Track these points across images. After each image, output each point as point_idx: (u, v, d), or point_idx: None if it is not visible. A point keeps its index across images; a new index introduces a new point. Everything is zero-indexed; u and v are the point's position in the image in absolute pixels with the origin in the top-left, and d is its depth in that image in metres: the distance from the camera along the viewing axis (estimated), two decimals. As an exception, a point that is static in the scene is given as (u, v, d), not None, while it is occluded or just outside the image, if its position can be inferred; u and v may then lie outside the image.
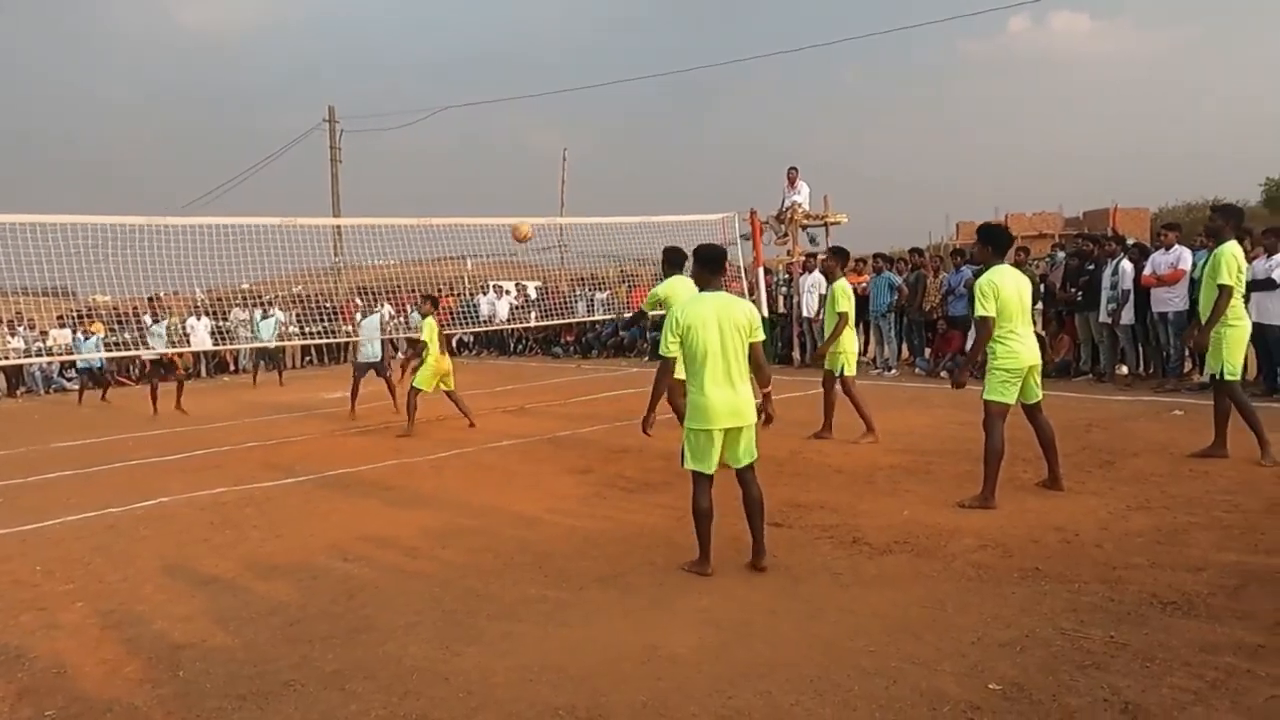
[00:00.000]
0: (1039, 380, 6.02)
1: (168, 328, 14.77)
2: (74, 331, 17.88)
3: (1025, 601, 4.18)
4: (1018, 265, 6.25)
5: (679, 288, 7.28)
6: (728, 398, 4.59)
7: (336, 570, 5.21)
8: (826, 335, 8.52)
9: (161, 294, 15.13)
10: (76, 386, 17.56)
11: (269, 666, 3.89)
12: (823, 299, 14.73)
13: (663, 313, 6.74)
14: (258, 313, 18.04)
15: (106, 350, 16.48)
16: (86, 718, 3.51)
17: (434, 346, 10.16)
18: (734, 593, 4.53)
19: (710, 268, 4.84)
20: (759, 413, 4.79)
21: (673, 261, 7.66)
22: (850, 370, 8.35)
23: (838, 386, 8.41)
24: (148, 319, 15.02)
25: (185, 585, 5.08)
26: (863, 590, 4.47)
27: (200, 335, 17.10)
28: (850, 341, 8.47)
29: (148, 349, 14.33)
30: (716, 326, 4.60)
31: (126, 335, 16.08)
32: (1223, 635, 3.69)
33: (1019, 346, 5.81)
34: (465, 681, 3.64)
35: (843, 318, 8.29)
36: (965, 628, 3.90)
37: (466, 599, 4.62)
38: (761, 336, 4.78)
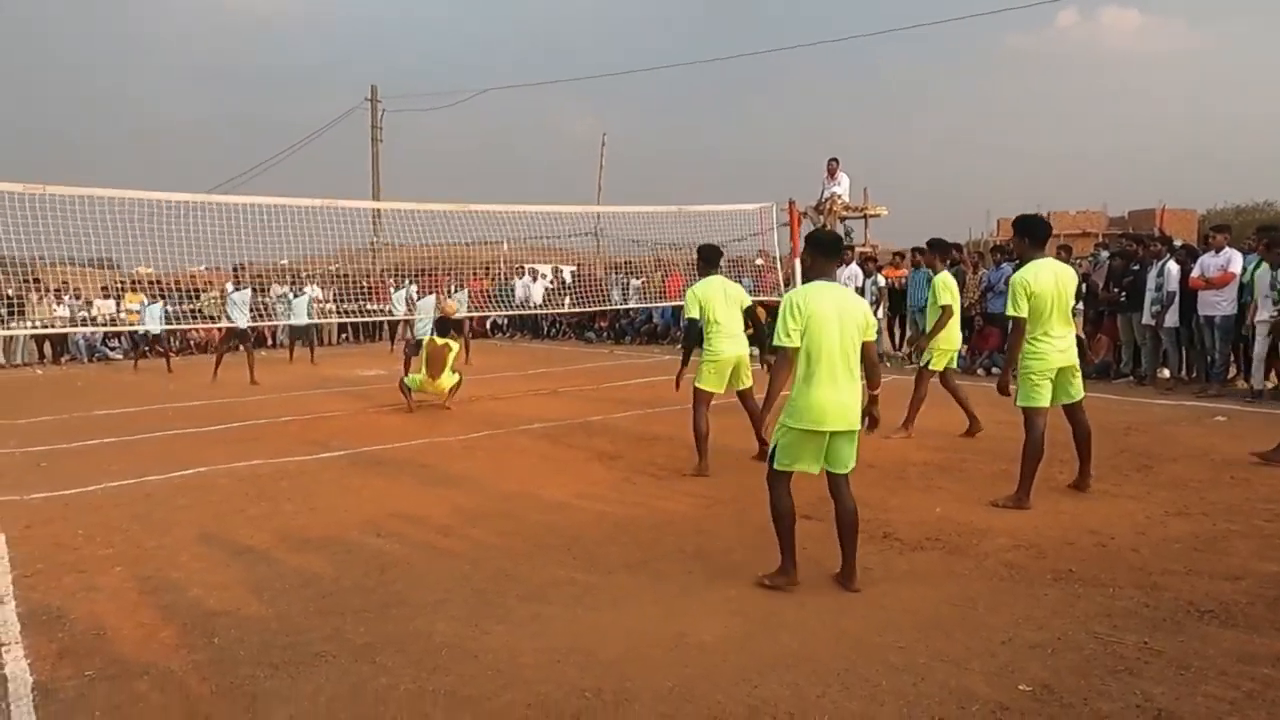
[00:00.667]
0: (1078, 381, 5.90)
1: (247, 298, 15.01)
2: (117, 301, 18.18)
3: (1058, 604, 4.13)
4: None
5: (713, 289, 6.97)
6: (840, 398, 4.21)
7: (369, 545, 5.28)
8: (928, 329, 8.45)
9: (246, 262, 15.28)
10: (119, 356, 17.89)
11: (301, 637, 3.95)
12: (858, 291, 14.69)
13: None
14: (290, 291, 18.24)
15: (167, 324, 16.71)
16: (123, 680, 3.59)
17: (432, 369, 10.38)
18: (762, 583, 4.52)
19: (828, 254, 4.50)
20: (863, 416, 4.48)
21: (709, 259, 7.25)
22: (937, 365, 8.34)
23: (946, 377, 8.48)
24: (230, 286, 15.24)
25: (221, 554, 5.17)
26: (893, 586, 4.44)
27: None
28: (948, 337, 8.33)
29: (226, 318, 14.68)
30: (836, 320, 4.23)
31: (169, 307, 16.35)
32: (1261, 646, 3.63)
33: (1048, 348, 5.67)
34: (493, 660, 3.68)
35: (946, 310, 8.17)
36: (996, 627, 3.87)
37: (496, 579, 4.65)
38: (874, 336, 4.48)
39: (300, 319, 17.47)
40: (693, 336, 7.00)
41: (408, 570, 4.84)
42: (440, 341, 10.47)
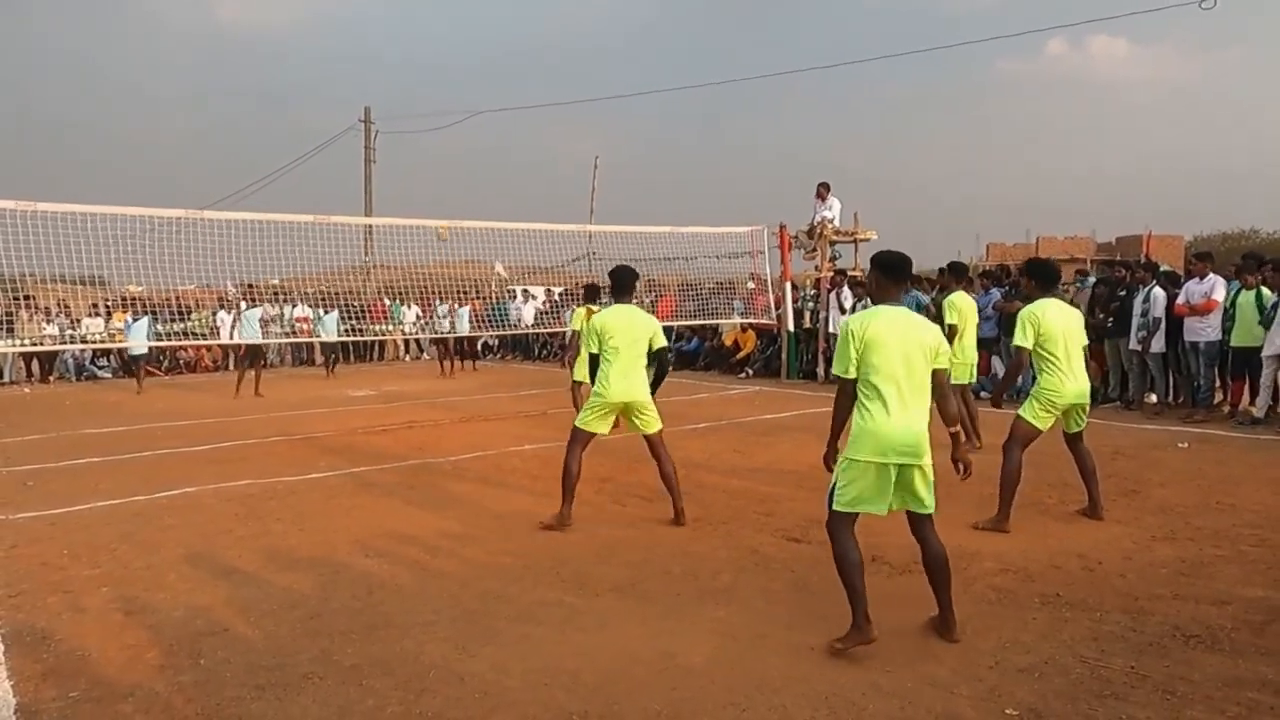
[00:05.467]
0: (1085, 415, 5.96)
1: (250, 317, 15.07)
2: (105, 319, 18.12)
3: (1045, 628, 4.14)
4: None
5: (617, 320, 6.04)
6: (905, 427, 3.90)
7: (357, 566, 5.26)
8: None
9: (254, 282, 15.34)
10: (109, 374, 17.81)
11: (288, 658, 3.93)
12: (843, 311, 14.76)
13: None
14: (320, 310, 18.36)
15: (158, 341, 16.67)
16: (108, 701, 3.56)
17: None
18: (750, 605, 4.52)
19: (894, 276, 4.14)
20: (955, 463, 4.30)
21: (620, 285, 6.29)
22: (960, 378, 8.43)
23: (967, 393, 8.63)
24: (244, 305, 15.28)
25: (208, 575, 5.14)
26: (881, 609, 4.42)
27: (229, 328, 17.32)
28: (962, 351, 8.54)
29: (237, 336, 14.82)
30: (900, 346, 3.92)
31: (159, 327, 16.30)
32: (1246, 670, 3.65)
33: (1066, 382, 5.74)
34: (481, 682, 3.67)
35: (951, 329, 8.42)
36: (984, 651, 3.88)
37: (484, 600, 4.64)
38: (947, 364, 4.12)
39: (331, 336, 17.59)
40: (595, 371, 6.13)
41: (396, 591, 4.82)
42: (598, 308, 9.92)
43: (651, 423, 6.18)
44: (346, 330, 17.82)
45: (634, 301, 6.32)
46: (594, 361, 6.08)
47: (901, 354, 3.91)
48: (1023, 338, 5.76)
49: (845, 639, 3.89)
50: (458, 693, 3.58)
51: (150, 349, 16.78)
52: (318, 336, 18.27)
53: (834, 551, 3.99)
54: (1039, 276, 6.06)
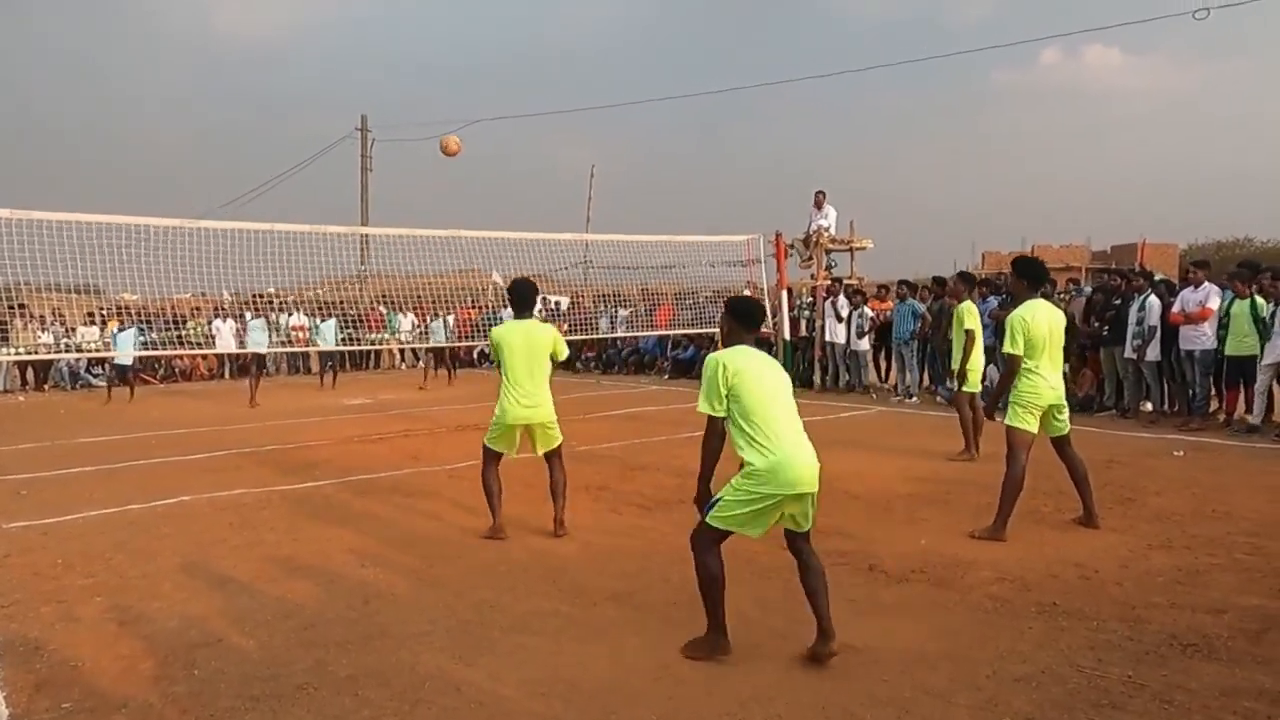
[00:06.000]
0: (1065, 415, 5.97)
1: (261, 325, 15.11)
2: (101, 327, 18.09)
3: (1042, 637, 4.14)
4: (1045, 297, 6.25)
5: (512, 336, 5.95)
6: (807, 460, 3.88)
7: (352, 576, 5.24)
8: (955, 356, 8.91)
9: (270, 290, 15.41)
10: (103, 383, 17.75)
11: (283, 669, 3.91)
12: (840, 320, 14.78)
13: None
14: (316, 318, 18.31)
15: (141, 351, 16.65)
16: (101, 713, 3.54)
17: None
18: (747, 615, 4.50)
19: (747, 323, 4.15)
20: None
21: (519, 299, 6.12)
22: (972, 388, 8.63)
23: (959, 398, 8.75)
24: (248, 315, 15.28)
25: (203, 584, 5.12)
26: (878, 618, 4.44)
27: (225, 338, 17.30)
28: (979, 361, 8.74)
29: (241, 345, 14.80)
30: (772, 380, 3.94)
31: (154, 335, 16.27)
32: (1243, 679, 3.64)
33: (1042, 383, 5.79)
34: (476, 692, 3.65)
35: (969, 335, 8.54)
36: (981, 660, 3.87)
37: (480, 609, 4.63)
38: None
39: (329, 345, 17.52)
40: None
41: (391, 601, 4.80)
42: None
43: (553, 439, 6.15)
44: (343, 339, 17.77)
45: (536, 316, 6.26)
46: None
47: (774, 388, 3.92)
48: (1014, 344, 5.77)
49: (697, 646, 3.94)
50: (454, 703, 3.56)
51: (137, 359, 16.74)
52: (315, 345, 18.23)
53: (705, 571, 3.87)
54: (1029, 276, 6.06)
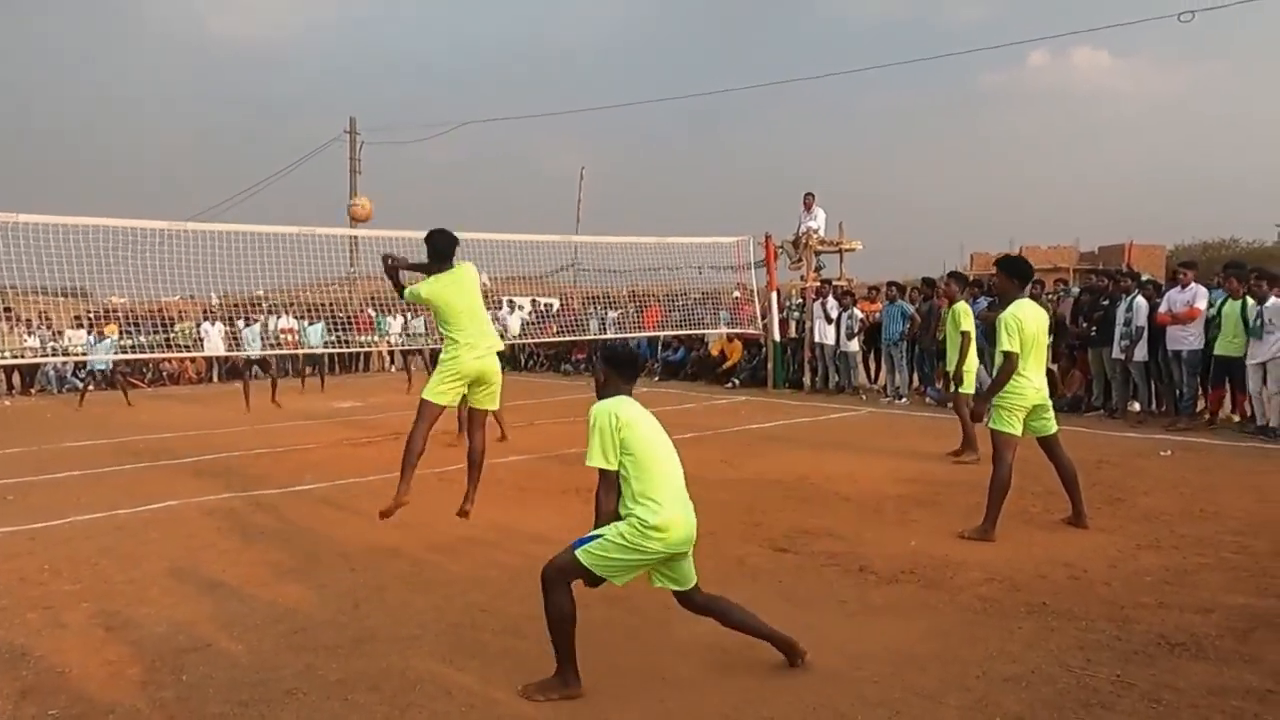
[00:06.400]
0: (1051, 415, 6.00)
1: (260, 329, 15.07)
2: (89, 332, 17.99)
3: (1032, 637, 4.15)
4: (1033, 298, 6.30)
5: (449, 286, 5.67)
6: (686, 518, 3.65)
7: (342, 580, 5.22)
8: (949, 357, 9.01)
9: (259, 292, 15.38)
10: (91, 387, 17.63)
11: (272, 674, 3.89)
12: (829, 321, 14.82)
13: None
14: (304, 321, 18.26)
15: (121, 352, 16.58)
16: (89, 718, 3.52)
17: None
18: (738, 617, 4.51)
19: (625, 373, 3.86)
20: None
21: (439, 250, 5.80)
22: (968, 388, 8.63)
23: (957, 399, 8.78)
24: (240, 324, 15.24)
25: (191, 589, 5.09)
26: (868, 619, 4.45)
27: (214, 341, 17.21)
28: (974, 362, 8.81)
29: (237, 350, 14.90)
30: (659, 433, 3.73)
31: (142, 338, 16.18)
32: (1231, 678, 3.66)
33: (1026, 385, 5.82)
34: (468, 696, 3.64)
35: (965, 336, 8.61)
36: (971, 661, 3.88)
37: (470, 613, 4.62)
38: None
39: (315, 347, 17.49)
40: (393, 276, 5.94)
41: (381, 605, 4.79)
42: None
43: (494, 397, 5.95)
44: (331, 342, 17.71)
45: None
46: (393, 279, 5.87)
47: (662, 441, 3.70)
48: (1009, 342, 5.76)
49: (547, 688, 3.62)
50: (445, 707, 3.55)
51: (122, 363, 16.71)
52: (302, 348, 18.15)
53: (557, 610, 3.57)
54: (1017, 274, 6.10)
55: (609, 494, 3.62)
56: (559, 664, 3.63)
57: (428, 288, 5.72)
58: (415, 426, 5.75)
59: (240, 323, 15.31)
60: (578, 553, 3.59)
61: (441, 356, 5.74)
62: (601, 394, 3.82)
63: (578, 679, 3.62)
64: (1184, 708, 3.41)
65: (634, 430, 3.60)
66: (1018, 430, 5.87)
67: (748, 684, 3.71)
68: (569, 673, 3.63)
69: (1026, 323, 5.78)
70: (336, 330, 17.53)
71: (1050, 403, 6.04)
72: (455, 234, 5.94)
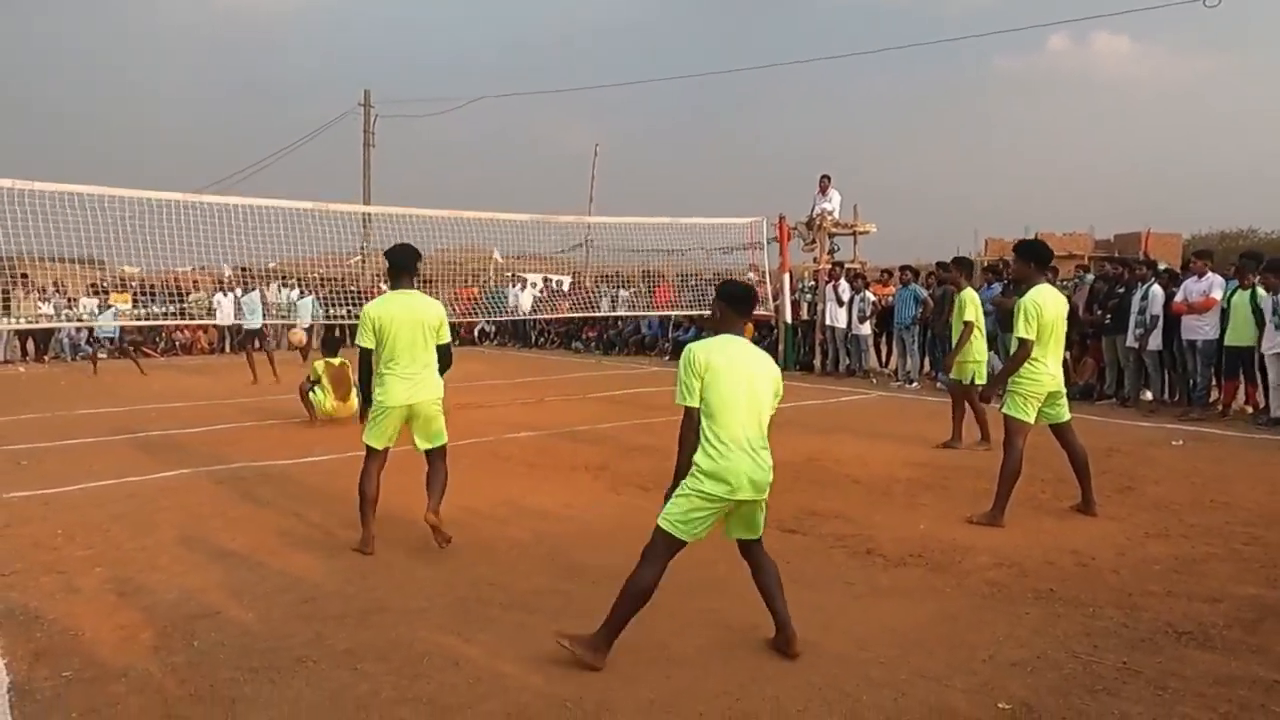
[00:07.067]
0: (1064, 402, 5.96)
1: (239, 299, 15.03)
2: (103, 298, 18.07)
3: (1039, 622, 4.15)
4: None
5: (393, 308, 5.15)
6: (755, 463, 3.68)
7: (351, 551, 5.25)
8: (953, 345, 8.84)
9: (245, 266, 15.27)
10: (104, 355, 17.75)
11: (282, 642, 3.93)
12: (841, 304, 14.76)
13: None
14: (294, 293, 18.18)
15: (134, 320, 16.66)
16: (101, 682, 3.56)
17: (339, 391, 9.80)
18: (744, 596, 4.50)
19: (739, 308, 3.95)
20: None
21: (399, 264, 5.34)
22: (980, 379, 8.48)
23: (968, 389, 8.62)
24: (239, 291, 15.21)
25: (202, 557, 5.14)
26: (875, 601, 4.46)
27: (226, 311, 17.27)
28: (980, 350, 8.64)
29: (242, 319, 14.70)
30: (745, 378, 3.73)
31: (156, 308, 16.26)
32: (1237, 668, 3.66)
33: (1043, 372, 5.76)
34: (474, 668, 3.67)
35: (968, 326, 8.45)
36: (977, 645, 3.88)
37: (478, 587, 4.64)
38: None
39: (305, 321, 17.41)
40: (366, 371, 5.23)
41: (390, 576, 4.82)
42: (337, 362, 9.85)
43: (437, 431, 5.37)
44: (342, 315, 17.70)
45: (417, 286, 5.54)
46: (366, 359, 5.18)
47: (747, 386, 3.72)
48: (1027, 329, 5.67)
49: (580, 643, 3.67)
50: (452, 679, 3.58)
51: (133, 330, 16.73)
52: (295, 321, 17.97)
53: (633, 583, 3.68)
54: (1036, 258, 5.98)
55: (689, 431, 3.73)
56: (603, 628, 3.69)
57: (372, 306, 5.24)
58: (363, 470, 5.33)
59: (238, 290, 15.26)
60: (658, 521, 3.72)
61: (375, 393, 5.23)
62: (714, 329, 3.93)
63: (605, 653, 3.67)
64: (1190, 696, 3.41)
65: (715, 374, 3.68)
66: (1031, 417, 5.82)
67: (753, 663, 3.72)
68: (603, 643, 3.68)
69: (1046, 309, 5.71)
70: (347, 304, 17.53)
71: (1065, 390, 5.99)
72: (414, 249, 5.50)
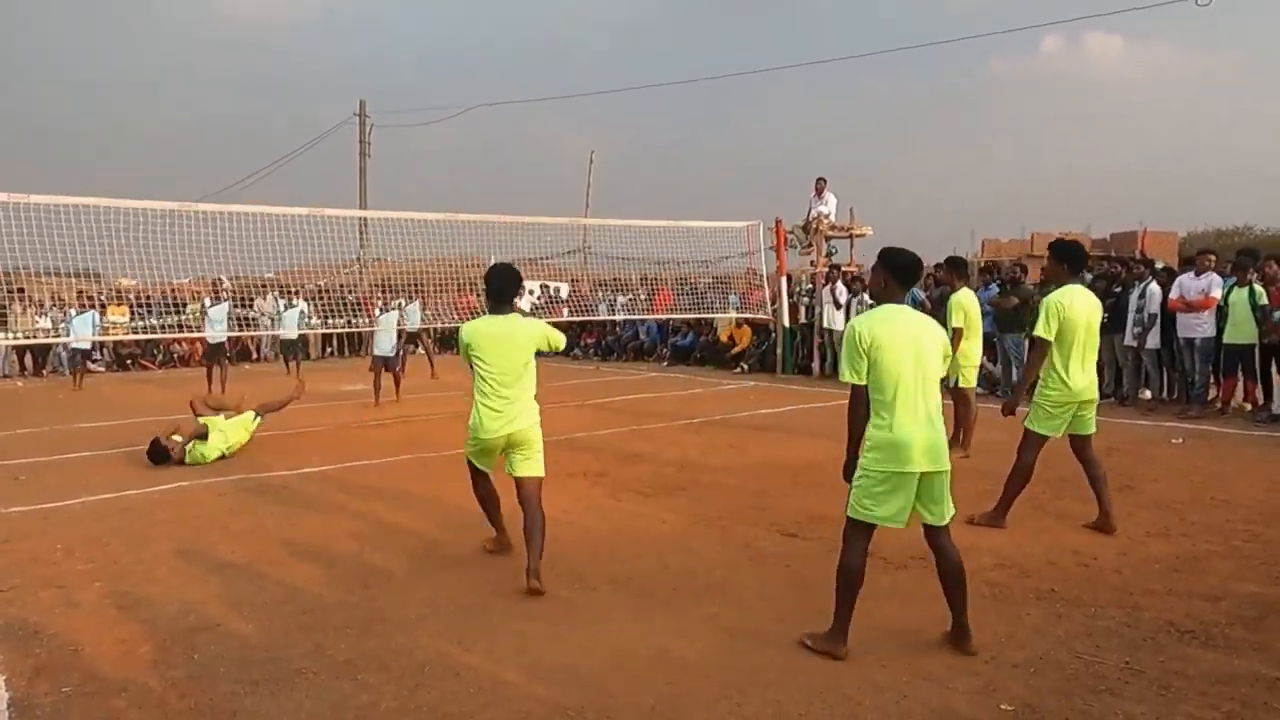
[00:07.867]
0: (1092, 413, 5.65)
1: (227, 312, 14.78)
2: (78, 312, 17.75)
3: (1041, 623, 4.15)
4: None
5: (484, 333, 4.90)
6: (926, 433, 3.69)
7: (351, 561, 5.24)
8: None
9: (224, 278, 15.10)
10: (101, 368, 17.71)
11: (282, 653, 3.92)
12: (838, 306, 14.76)
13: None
14: (281, 303, 18.05)
15: (106, 333, 16.35)
16: (101, 696, 3.55)
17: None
18: (745, 600, 4.52)
19: (903, 278, 3.91)
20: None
21: (498, 291, 5.03)
22: (966, 382, 8.25)
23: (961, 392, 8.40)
24: (207, 301, 15.09)
25: (201, 569, 5.13)
26: (877, 604, 4.44)
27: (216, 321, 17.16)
28: (972, 353, 8.37)
29: (208, 331, 14.43)
30: (912, 347, 3.71)
31: (153, 320, 16.18)
32: (1240, 666, 3.65)
33: (1067, 391, 5.45)
34: (475, 677, 3.66)
35: (956, 333, 8.13)
36: (979, 646, 3.87)
37: (479, 594, 4.64)
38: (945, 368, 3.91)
39: (290, 333, 17.26)
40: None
41: (390, 586, 4.81)
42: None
43: (533, 464, 5.02)
44: (340, 324, 17.61)
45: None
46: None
47: (914, 355, 3.70)
48: (1045, 329, 5.37)
49: (819, 640, 3.84)
50: (453, 687, 3.57)
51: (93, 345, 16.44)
52: (278, 332, 17.66)
53: (841, 567, 3.81)
54: (1069, 259, 5.63)
55: (856, 407, 3.79)
56: (834, 619, 3.80)
57: (467, 329, 5.00)
58: (472, 484, 5.31)
59: (207, 300, 15.06)
60: (846, 512, 3.80)
61: (470, 421, 5.04)
62: (878, 299, 3.92)
63: (844, 641, 3.78)
64: (1192, 695, 3.40)
65: (880, 349, 3.69)
66: (1052, 431, 5.54)
67: (755, 666, 3.71)
68: (838, 632, 3.79)
69: (1073, 311, 5.37)
70: (346, 313, 17.44)
71: (1095, 399, 5.63)
72: (514, 271, 5.20)
